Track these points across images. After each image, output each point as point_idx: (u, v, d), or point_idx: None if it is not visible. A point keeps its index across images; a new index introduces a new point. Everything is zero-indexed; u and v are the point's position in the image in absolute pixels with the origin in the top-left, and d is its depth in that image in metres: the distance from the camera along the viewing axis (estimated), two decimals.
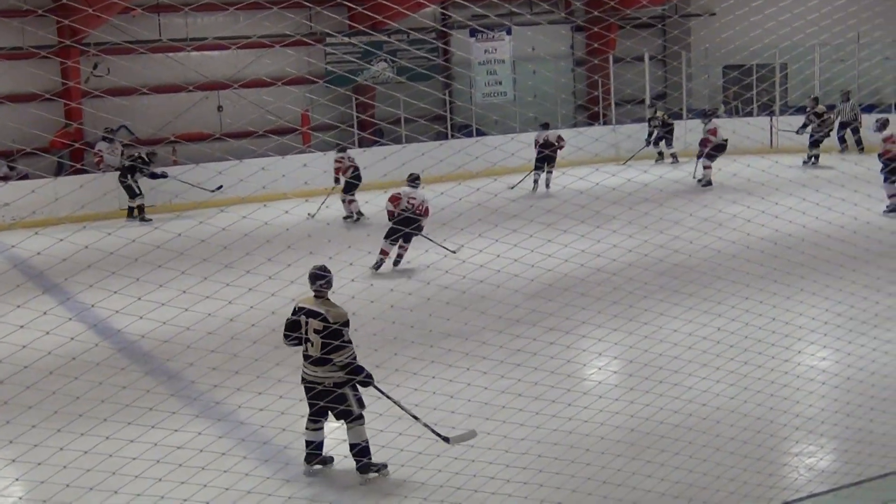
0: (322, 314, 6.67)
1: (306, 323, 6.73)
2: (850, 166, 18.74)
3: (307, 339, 6.73)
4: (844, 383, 7.98)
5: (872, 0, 12.04)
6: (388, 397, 6.76)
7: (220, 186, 16.31)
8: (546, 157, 18.80)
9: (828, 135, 20.33)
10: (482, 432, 6.53)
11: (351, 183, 16.11)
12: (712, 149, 18.46)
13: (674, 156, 21.72)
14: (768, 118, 22.64)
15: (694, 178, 18.68)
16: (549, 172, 18.88)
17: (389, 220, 12.41)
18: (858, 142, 21.04)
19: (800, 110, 21.23)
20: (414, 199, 12.57)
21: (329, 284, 6.83)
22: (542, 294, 7.33)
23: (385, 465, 6.81)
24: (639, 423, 6.89)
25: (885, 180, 15.24)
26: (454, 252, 10.26)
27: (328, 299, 6.83)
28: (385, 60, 21.84)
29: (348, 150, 17.18)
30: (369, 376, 6.78)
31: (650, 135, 22.03)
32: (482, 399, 6.88)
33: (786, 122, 21.77)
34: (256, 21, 19.19)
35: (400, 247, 12.89)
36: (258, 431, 6.91)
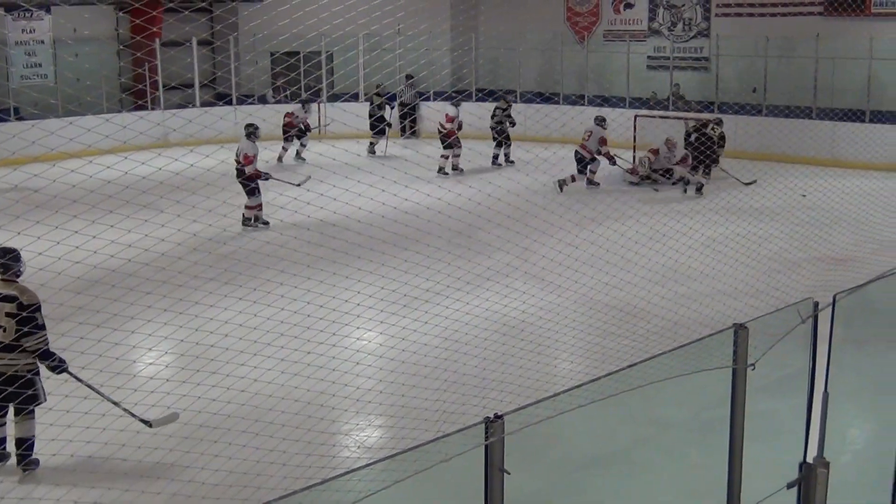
0: (15, 297, 6.55)
1: None
2: (401, 150, 20.13)
3: None
4: (379, 360, 8.56)
5: None
6: (84, 382, 6.74)
7: None
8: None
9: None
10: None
11: None
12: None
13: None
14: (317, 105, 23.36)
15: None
16: None
17: None
18: (413, 123, 22.61)
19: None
20: None
21: (18, 271, 6.73)
22: (72, 287, 6.96)
23: (37, 463, 6.81)
24: (192, 415, 6.90)
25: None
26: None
27: (17, 283, 6.76)
28: None
29: None
30: (62, 361, 6.74)
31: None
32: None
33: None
34: None
35: None
36: None
